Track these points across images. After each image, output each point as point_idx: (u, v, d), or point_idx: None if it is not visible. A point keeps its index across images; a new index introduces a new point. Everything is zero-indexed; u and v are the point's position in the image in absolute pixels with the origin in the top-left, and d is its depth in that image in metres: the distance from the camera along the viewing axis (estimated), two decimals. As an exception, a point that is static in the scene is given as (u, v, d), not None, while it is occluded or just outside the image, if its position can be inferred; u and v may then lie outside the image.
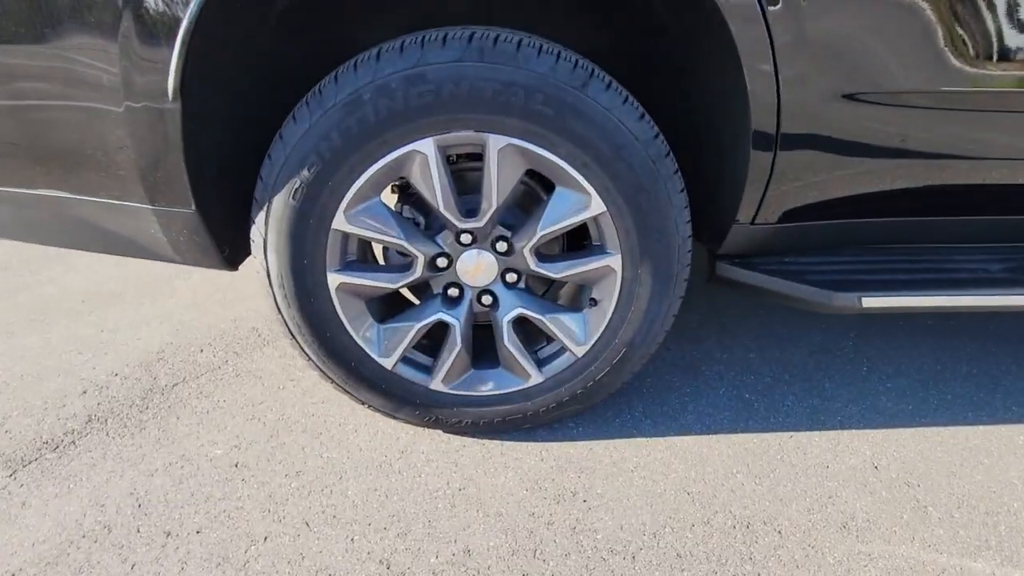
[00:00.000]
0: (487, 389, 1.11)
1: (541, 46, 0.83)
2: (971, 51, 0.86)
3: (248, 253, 1.11)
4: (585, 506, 1.03)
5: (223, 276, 1.95)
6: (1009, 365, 1.40)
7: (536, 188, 1.04)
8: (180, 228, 0.95)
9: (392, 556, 0.94)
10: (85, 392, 1.36)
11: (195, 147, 0.87)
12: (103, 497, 1.06)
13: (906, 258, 1.10)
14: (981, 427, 1.20)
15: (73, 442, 1.20)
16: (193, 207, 0.91)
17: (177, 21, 0.74)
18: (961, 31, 0.85)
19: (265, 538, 0.97)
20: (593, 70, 0.84)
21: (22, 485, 1.09)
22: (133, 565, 0.93)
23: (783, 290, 1.05)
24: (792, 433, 1.19)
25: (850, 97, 0.86)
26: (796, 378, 1.36)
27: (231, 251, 1.05)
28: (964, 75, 0.87)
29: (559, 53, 0.83)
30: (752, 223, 1.01)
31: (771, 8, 0.81)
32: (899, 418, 1.23)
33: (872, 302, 1.00)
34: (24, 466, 1.13)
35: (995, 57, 0.87)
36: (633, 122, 0.86)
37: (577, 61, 0.84)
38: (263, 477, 1.10)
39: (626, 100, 0.86)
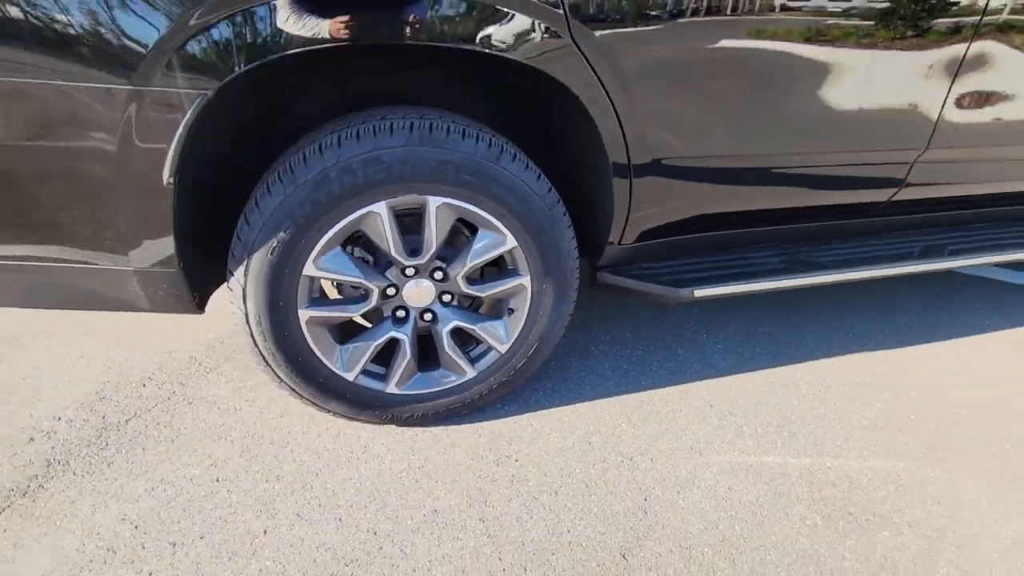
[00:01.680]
0: (432, 387, 1.39)
1: (464, 130, 1.11)
2: (745, 128, 1.29)
3: (211, 294, 1.27)
4: (518, 464, 1.36)
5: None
6: (796, 321, 1.98)
7: (463, 229, 1.32)
8: (160, 284, 1.10)
9: (377, 525, 1.20)
10: (32, 440, 1.40)
11: (182, 215, 1.03)
12: (96, 527, 1.18)
13: (721, 259, 1.56)
14: (776, 368, 1.74)
15: (41, 486, 1.27)
16: (178, 267, 1.07)
17: (176, 122, 0.91)
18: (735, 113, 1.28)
19: (264, 531, 1.18)
20: (503, 146, 1.15)
21: (5, 530, 1.17)
22: (150, 574, 1.09)
23: (643, 289, 1.45)
24: (657, 390, 1.63)
25: (660, 160, 1.26)
26: (659, 349, 1.81)
27: (199, 297, 1.21)
28: (743, 146, 1.30)
29: (478, 135, 1.12)
30: (619, 243, 1.39)
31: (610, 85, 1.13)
32: (726, 369, 1.73)
33: (701, 293, 1.44)
34: None
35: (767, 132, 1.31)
36: (533, 182, 1.18)
37: (491, 140, 1.14)
38: (246, 486, 1.29)
39: (527, 166, 1.18)
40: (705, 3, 1.11)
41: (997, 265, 2.36)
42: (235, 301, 1.15)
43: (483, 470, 1.34)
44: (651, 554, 1.16)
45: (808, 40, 1.20)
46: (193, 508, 1.23)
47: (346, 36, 0.94)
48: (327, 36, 0.93)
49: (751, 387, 1.65)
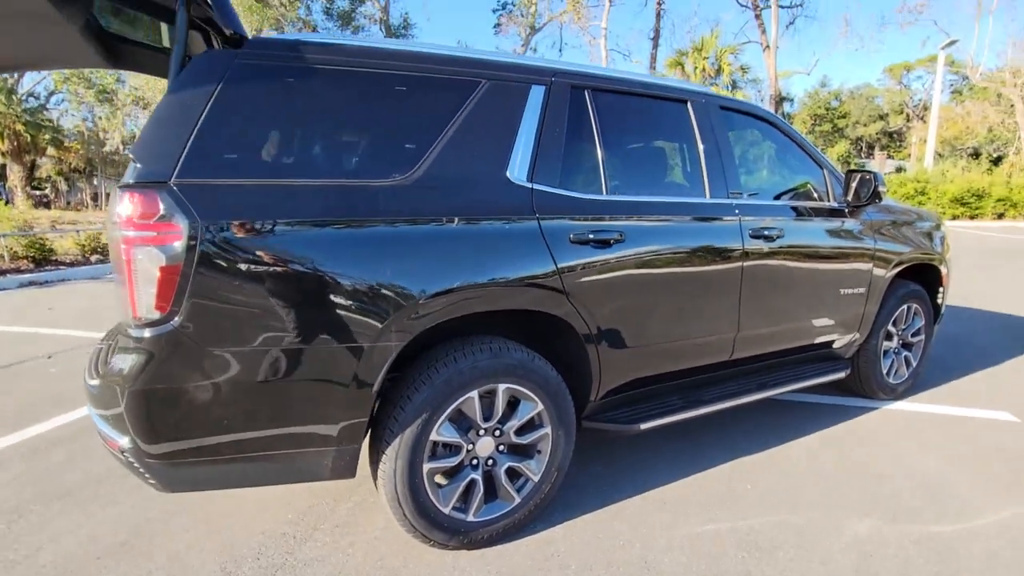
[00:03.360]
0: (494, 514, 2.08)
1: (514, 347, 2.04)
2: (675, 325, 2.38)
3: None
4: (560, 557, 2.03)
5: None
6: (703, 439, 2.95)
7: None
8: (345, 456, 1.78)
9: (488, 608, 1.78)
10: (190, 610, 1.79)
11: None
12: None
13: (650, 405, 2.54)
14: (699, 473, 2.63)
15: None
16: (360, 442, 1.78)
17: (387, 359, 1.73)
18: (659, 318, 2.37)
19: (413, 628, 1.70)
20: (534, 354, 2.08)
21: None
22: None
23: (609, 428, 2.35)
24: (629, 499, 2.42)
25: (610, 346, 2.29)
26: (619, 472, 2.64)
27: (354, 464, 1.87)
28: (668, 336, 2.38)
29: (521, 349, 2.06)
30: (595, 400, 2.32)
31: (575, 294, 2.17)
32: (669, 478, 2.58)
33: (644, 426, 2.37)
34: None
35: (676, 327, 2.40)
36: (549, 370, 2.11)
37: (528, 351, 2.07)
38: (383, 606, 1.80)
39: (545, 362, 2.11)
40: (621, 275, 2.23)
41: (805, 391, 3.62)
42: (387, 462, 1.84)
43: (540, 563, 1.99)
44: (660, 589, 1.87)
45: (669, 274, 2.37)
46: (353, 626, 1.71)
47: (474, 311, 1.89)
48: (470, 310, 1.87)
49: (685, 484, 2.52)
